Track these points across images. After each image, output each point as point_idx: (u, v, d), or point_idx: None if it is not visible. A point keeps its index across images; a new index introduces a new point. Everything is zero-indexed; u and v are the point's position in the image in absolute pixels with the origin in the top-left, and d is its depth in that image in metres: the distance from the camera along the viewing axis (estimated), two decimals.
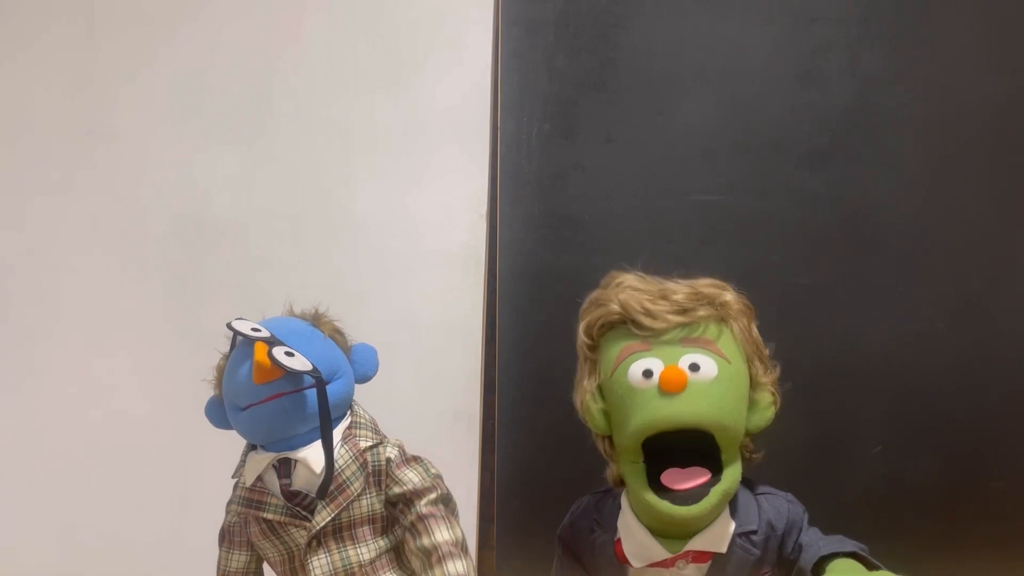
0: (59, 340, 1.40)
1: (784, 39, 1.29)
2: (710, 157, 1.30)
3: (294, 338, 0.88)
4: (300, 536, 0.88)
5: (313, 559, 0.88)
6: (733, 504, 0.81)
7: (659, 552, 0.80)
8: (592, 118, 1.31)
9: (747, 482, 0.84)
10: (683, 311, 0.79)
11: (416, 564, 0.87)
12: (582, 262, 1.30)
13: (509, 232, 1.32)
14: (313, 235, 1.37)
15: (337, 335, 0.94)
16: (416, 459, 0.91)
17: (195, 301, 1.37)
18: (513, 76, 1.32)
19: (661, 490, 0.77)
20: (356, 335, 0.97)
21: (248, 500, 0.90)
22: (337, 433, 0.89)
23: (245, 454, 0.93)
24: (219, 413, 0.92)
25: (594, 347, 0.83)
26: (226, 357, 0.92)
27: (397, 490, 0.89)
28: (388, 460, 0.89)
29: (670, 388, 0.75)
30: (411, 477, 0.89)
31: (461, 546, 0.86)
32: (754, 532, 0.81)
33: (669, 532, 0.80)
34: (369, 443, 0.90)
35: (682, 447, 0.77)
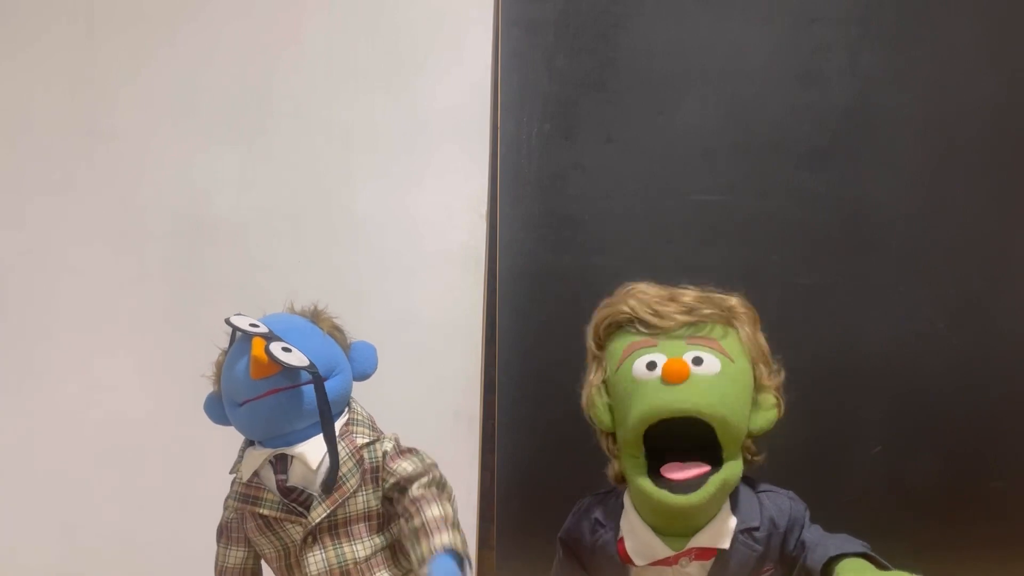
0: (59, 340, 1.40)
1: (784, 39, 1.29)
2: (710, 157, 1.30)
3: (292, 334, 0.88)
4: (296, 532, 0.88)
5: (308, 555, 0.88)
6: (735, 501, 0.82)
7: (662, 550, 0.80)
8: (592, 118, 1.31)
9: (748, 480, 0.84)
10: (690, 311, 0.81)
11: (408, 547, 0.86)
12: (582, 262, 1.30)
13: (509, 232, 1.32)
14: (313, 235, 1.37)
15: (336, 332, 0.94)
16: (411, 450, 0.92)
17: (195, 301, 1.37)
18: (513, 76, 1.31)
19: (660, 480, 0.77)
20: (356, 335, 0.97)
21: (244, 496, 0.90)
22: (335, 430, 0.89)
23: (243, 450, 0.93)
24: (218, 409, 0.92)
25: (602, 345, 0.85)
26: (225, 353, 0.92)
27: (392, 480, 0.89)
28: (384, 454, 0.90)
29: (672, 379, 0.76)
30: (405, 466, 0.89)
31: (451, 521, 0.85)
32: (756, 529, 0.81)
33: (671, 529, 0.80)
34: (366, 440, 0.90)
35: (683, 444, 0.77)
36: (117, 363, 1.39)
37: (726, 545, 0.80)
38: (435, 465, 0.91)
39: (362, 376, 0.94)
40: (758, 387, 0.82)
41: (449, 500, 0.88)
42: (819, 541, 0.80)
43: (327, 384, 0.87)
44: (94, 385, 1.39)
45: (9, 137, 1.40)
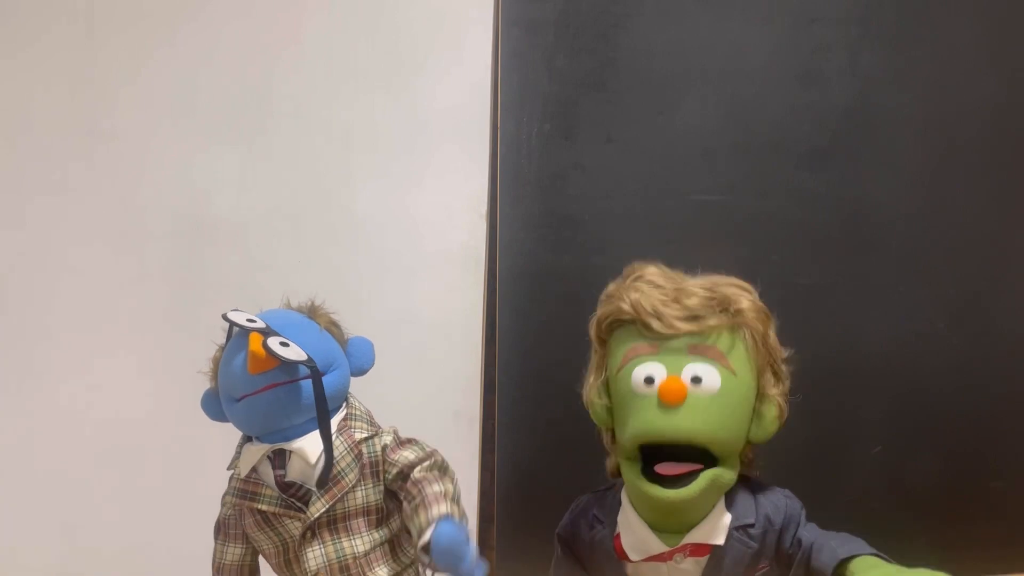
0: (59, 340, 1.39)
1: (784, 39, 1.29)
2: (710, 157, 1.30)
3: (290, 329, 0.88)
4: (294, 527, 0.88)
5: (307, 551, 0.88)
6: (730, 498, 0.82)
7: (656, 545, 0.80)
8: (592, 118, 1.31)
9: (743, 478, 0.84)
10: (694, 318, 0.78)
11: (410, 526, 0.85)
12: (582, 262, 1.30)
13: (509, 232, 1.32)
14: (313, 235, 1.37)
15: (333, 327, 0.94)
16: (411, 440, 0.91)
17: (195, 301, 1.37)
18: (513, 76, 1.31)
19: (653, 476, 0.78)
20: (356, 335, 0.96)
21: (242, 491, 0.90)
22: (332, 425, 0.89)
23: (241, 446, 0.93)
24: (215, 405, 0.92)
25: (604, 341, 0.84)
26: (222, 349, 0.92)
27: (395, 471, 0.89)
28: (384, 447, 0.89)
29: (669, 400, 0.75)
30: (406, 455, 0.89)
31: (451, 496, 0.84)
32: (751, 526, 0.81)
33: (667, 525, 0.80)
34: (364, 435, 0.90)
35: (679, 447, 0.77)
36: (117, 363, 1.39)
37: (721, 541, 0.80)
38: (436, 451, 0.91)
39: (359, 371, 0.94)
40: (761, 397, 0.81)
41: (452, 481, 0.88)
42: (823, 542, 0.79)
43: (325, 379, 0.87)
44: (94, 385, 1.39)
45: (9, 137, 1.40)
